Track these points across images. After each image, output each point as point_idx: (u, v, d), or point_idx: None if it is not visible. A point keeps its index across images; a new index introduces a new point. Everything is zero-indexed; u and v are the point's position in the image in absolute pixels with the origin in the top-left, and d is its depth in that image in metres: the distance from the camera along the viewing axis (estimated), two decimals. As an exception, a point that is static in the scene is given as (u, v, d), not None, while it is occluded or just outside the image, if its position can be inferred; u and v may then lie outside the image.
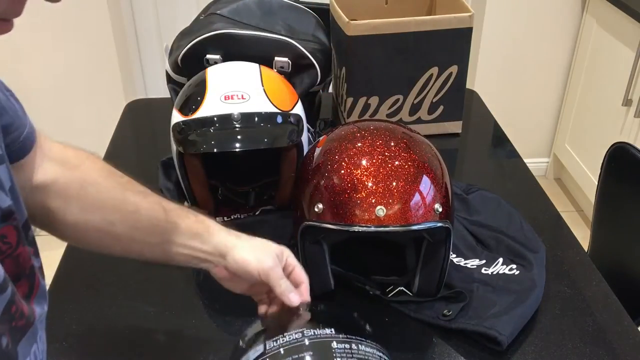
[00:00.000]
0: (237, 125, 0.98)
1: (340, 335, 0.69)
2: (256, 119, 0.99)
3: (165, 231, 0.77)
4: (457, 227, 1.02)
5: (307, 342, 0.68)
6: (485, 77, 2.49)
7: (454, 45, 1.28)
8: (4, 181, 0.59)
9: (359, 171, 0.82)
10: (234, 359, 0.72)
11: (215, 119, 0.98)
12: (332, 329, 0.70)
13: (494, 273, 0.95)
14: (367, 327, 0.75)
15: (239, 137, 0.98)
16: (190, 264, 0.79)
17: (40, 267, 0.65)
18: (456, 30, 1.25)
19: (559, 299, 0.93)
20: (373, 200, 0.80)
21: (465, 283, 0.92)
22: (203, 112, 0.99)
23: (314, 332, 0.69)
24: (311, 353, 0.67)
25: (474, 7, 1.61)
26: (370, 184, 0.80)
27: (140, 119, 1.51)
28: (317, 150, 0.89)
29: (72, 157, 0.77)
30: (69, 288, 0.96)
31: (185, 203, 1.08)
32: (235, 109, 0.98)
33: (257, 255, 0.76)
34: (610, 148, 1.22)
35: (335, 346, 0.67)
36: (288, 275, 0.78)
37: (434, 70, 1.30)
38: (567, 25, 2.43)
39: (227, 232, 0.79)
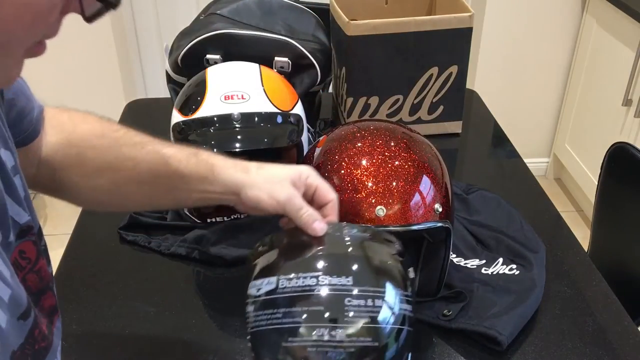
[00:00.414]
0: (237, 125, 0.98)
1: (356, 290, 0.64)
2: (256, 119, 0.99)
3: (170, 180, 0.74)
4: (457, 227, 1.02)
5: (320, 291, 0.64)
6: (485, 77, 2.49)
7: (454, 45, 1.28)
8: (20, 192, 0.59)
9: (359, 171, 0.82)
10: (248, 276, 0.70)
11: (215, 119, 0.98)
12: (351, 277, 0.65)
13: (494, 273, 0.95)
14: (400, 268, 0.68)
15: (239, 137, 0.98)
16: (207, 204, 0.76)
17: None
18: (456, 30, 1.25)
19: (559, 299, 0.93)
20: (373, 200, 0.80)
21: (465, 283, 0.92)
22: (203, 112, 0.99)
23: (330, 281, 0.65)
24: (322, 308, 0.64)
25: (474, 7, 1.61)
26: (370, 184, 0.80)
27: (140, 119, 1.51)
28: (317, 150, 0.89)
29: (67, 122, 0.76)
30: (69, 288, 0.96)
31: (185, 203, 1.08)
32: (235, 109, 0.98)
33: (269, 191, 0.70)
34: (610, 148, 1.22)
35: (349, 303, 0.64)
36: (311, 196, 0.72)
37: (434, 70, 1.30)
38: (567, 25, 2.43)
39: (234, 168, 0.73)
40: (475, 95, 1.56)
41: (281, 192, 0.70)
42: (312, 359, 0.64)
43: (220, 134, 0.98)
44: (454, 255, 0.98)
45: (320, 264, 0.67)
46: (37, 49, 0.49)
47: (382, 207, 0.79)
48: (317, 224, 0.69)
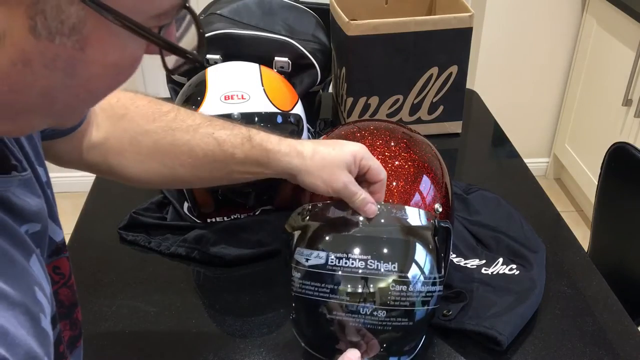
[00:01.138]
0: (237, 125, 0.98)
1: (400, 276, 0.72)
2: (256, 119, 0.99)
3: (225, 165, 0.75)
4: (457, 227, 1.02)
5: (367, 275, 0.72)
6: (485, 77, 2.49)
7: (454, 45, 1.28)
8: (54, 207, 0.59)
9: (359, 171, 0.82)
10: (289, 240, 0.76)
11: (215, 119, 0.98)
12: (396, 264, 0.72)
13: (494, 273, 0.95)
14: (436, 250, 0.75)
15: (239, 137, 0.98)
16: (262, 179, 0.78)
17: None
18: (456, 30, 1.25)
19: (559, 299, 0.93)
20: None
21: (465, 283, 0.92)
22: (203, 112, 0.99)
23: (377, 266, 0.72)
24: (367, 290, 0.72)
25: (474, 7, 1.61)
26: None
27: (140, 119, 1.51)
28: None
29: (117, 106, 0.77)
30: (69, 288, 0.96)
31: (186, 203, 1.08)
32: (235, 109, 0.98)
33: (324, 179, 0.72)
34: (610, 148, 1.22)
35: (392, 288, 0.72)
36: (363, 175, 0.75)
37: (434, 70, 1.30)
38: (567, 25, 2.43)
39: (289, 154, 0.73)
40: (475, 95, 1.56)
41: (337, 179, 0.72)
42: (352, 331, 0.74)
43: (220, 134, 0.98)
44: (454, 255, 0.98)
45: (368, 248, 0.73)
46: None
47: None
48: (370, 207, 0.73)
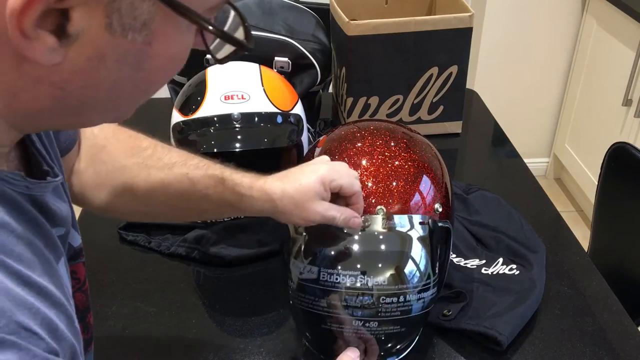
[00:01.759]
0: (237, 125, 0.98)
1: (391, 289, 0.74)
2: (256, 119, 0.99)
3: (198, 204, 0.76)
4: (457, 227, 1.02)
5: (358, 291, 0.74)
6: (485, 77, 2.49)
7: (454, 45, 1.28)
8: (74, 213, 0.61)
9: (358, 171, 0.82)
10: (287, 242, 0.78)
11: (215, 119, 0.98)
12: (388, 277, 0.74)
13: (494, 273, 0.95)
14: (429, 254, 0.77)
15: (239, 137, 0.98)
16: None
17: None
18: (456, 30, 1.25)
19: (559, 299, 0.93)
20: (373, 200, 0.79)
21: (465, 283, 0.92)
22: (203, 112, 0.99)
23: (367, 281, 0.74)
24: (359, 304, 0.74)
25: (474, 7, 1.61)
26: (370, 184, 0.80)
27: (140, 118, 1.51)
28: (317, 150, 0.89)
29: (99, 136, 0.78)
30: (69, 288, 0.96)
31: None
32: (235, 109, 0.98)
33: (299, 215, 0.72)
34: (610, 148, 1.22)
35: (383, 301, 0.74)
36: (337, 194, 0.74)
37: (434, 70, 1.30)
38: (567, 25, 2.43)
39: (259, 198, 0.73)
40: (475, 95, 1.56)
41: (312, 213, 0.71)
42: (347, 338, 0.76)
43: (220, 134, 0.98)
44: (454, 255, 0.98)
45: (360, 263, 0.75)
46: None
47: (382, 207, 0.79)
48: (353, 221, 0.73)
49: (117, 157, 0.77)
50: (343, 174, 0.74)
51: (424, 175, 0.82)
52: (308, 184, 0.71)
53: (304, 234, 0.78)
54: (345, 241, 0.75)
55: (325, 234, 0.76)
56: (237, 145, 0.98)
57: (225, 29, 0.50)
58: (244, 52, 0.48)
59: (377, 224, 0.76)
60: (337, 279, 0.74)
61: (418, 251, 0.76)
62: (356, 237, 0.76)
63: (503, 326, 0.83)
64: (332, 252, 0.76)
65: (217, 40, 0.49)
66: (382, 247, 0.77)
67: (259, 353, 0.86)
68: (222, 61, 0.50)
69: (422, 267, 0.76)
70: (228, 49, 0.49)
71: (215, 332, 0.90)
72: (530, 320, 0.88)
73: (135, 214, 0.81)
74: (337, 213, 0.72)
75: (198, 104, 1.00)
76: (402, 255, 0.76)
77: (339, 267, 0.74)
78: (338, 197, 0.74)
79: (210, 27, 0.44)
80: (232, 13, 0.50)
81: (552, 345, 0.85)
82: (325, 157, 0.80)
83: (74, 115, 0.47)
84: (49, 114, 0.46)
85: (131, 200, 0.77)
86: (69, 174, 0.75)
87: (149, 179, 0.75)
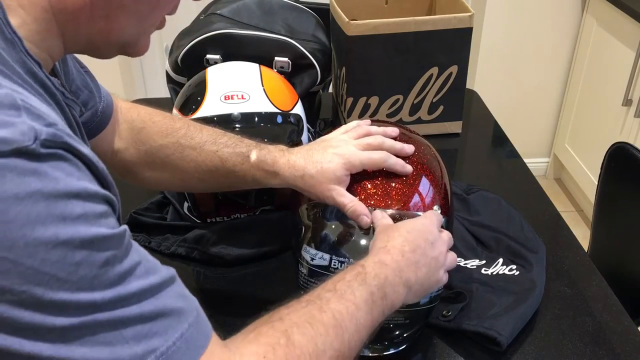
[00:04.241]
0: (237, 125, 0.98)
1: None
2: (256, 119, 0.99)
3: (227, 179, 0.84)
4: (457, 227, 1.02)
5: None
6: (485, 77, 2.49)
7: (454, 45, 1.28)
8: None
9: (357, 172, 0.82)
10: (298, 230, 0.82)
11: (215, 119, 0.98)
12: None
13: (494, 273, 0.95)
14: None
15: (239, 137, 0.98)
16: None
17: None
18: (456, 30, 1.25)
19: (559, 299, 0.93)
20: (372, 202, 0.80)
21: (465, 283, 0.92)
22: (203, 112, 0.99)
23: None
24: None
25: (474, 7, 1.61)
26: (369, 185, 0.80)
27: (140, 119, 1.51)
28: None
29: (137, 120, 0.87)
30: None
31: (186, 203, 1.08)
32: (235, 108, 0.98)
33: (317, 194, 0.79)
34: (610, 148, 1.22)
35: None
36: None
37: (434, 70, 1.30)
38: (567, 25, 2.43)
39: (285, 173, 0.80)
40: (475, 95, 1.56)
41: (327, 195, 0.78)
42: None
43: (220, 134, 0.98)
44: (453, 256, 0.98)
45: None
46: (162, 23, 0.63)
47: (381, 208, 0.80)
48: (362, 218, 0.77)
49: (154, 137, 0.85)
50: (362, 156, 0.80)
51: (423, 177, 0.82)
52: (329, 168, 0.78)
53: (317, 221, 0.80)
54: (358, 230, 0.78)
55: (341, 224, 0.79)
56: (237, 145, 0.98)
57: None
58: None
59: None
60: (347, 266, 0.74)
61: None
62: (371, 230, 0.77)
63: (502, 327, 0.83)
64: (344, 241, 0.78)
65: None
66: None
67: (259, 353, 0.85)
68: None
69: None
70: None
71: (215, 332, 0.90)
72: (530, 320, 0.88)
73: (174, 187, 0.93)
74: (348, 202, 0.77)
75: (198, 104, 1.00)
76: None
77: (350, 256, 0.76)
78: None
79: None
80: None
81: (552, 345, 0.85)
82: (353, 124, 0.86)
83: (106, 18, 0.54)
84: (89, 14, 0.53)
85: (169, 175, 0.87)
86: (110, 155, 0.84)
87: (183, 157, 0.84)
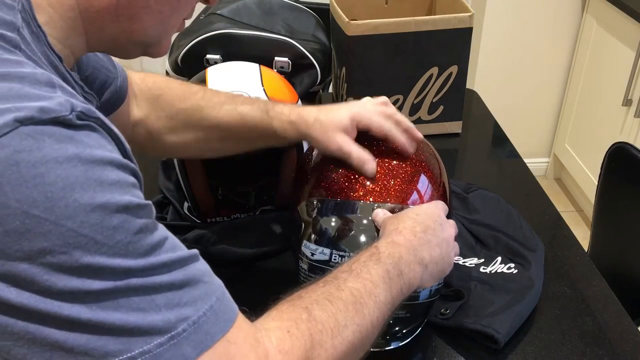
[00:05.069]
0: (236, 125, 0.98)
1: None
2: (256, 118, 0.99)
3: (249, 135, 0.86)
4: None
5: None
6: (485, 77, 2.50)
7: (454, 45, 1.28)
8: None
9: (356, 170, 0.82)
10: (297, 227, 0.81)
11: (215, 118, 0.98)
12: None
13: (492, 272, 0.95)
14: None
15: (238, 136, 0.98)
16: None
17: None
18: (456, 30, 1.26)
19: (559, 299, 0.93)
20: (371, 199, 0.80)
21: (463, 281, 0.92)
22: (203, 112, 0.99)
23: None
24: None
25: (474, 7, 1.61)
26: (367, 183, 0.80)
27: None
28: (316, 150, 0.89)
29: (154, 87, 0.88)
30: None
31: (186, 203, 1.08)
32: (235, 108, 0.98)
33: (324, 143, 0.81)
34: (610, 148, 1.22)
35: None
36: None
37: (434, 70, 1.30)
38: (567, 25, 2.43)
39: (298, 120, 0.83)
40: (475, 95, 1.56)
41: (333, 142, 0.80)
42: None
43: (220, 134, 0.98)
44: (453, 255, 0.98)
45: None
46: (181, 25, 0.64)
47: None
48: (367, 166, 0.79)
49: (173, 102, 0.87)
50: (373, 115, 0.82)
51: (422, 174, 0.83)
52: (337, 115, 0.81)
53: (316, 217, 0.79)
54: (357, 225, 0.78)
55: (341, 219, 0.79)
56: (237, 145, 0.98)
57: None
58: None
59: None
60: (347, 261, 0.74)
61: None
62: (365, 221, 0.78)
63: (500, 324, 0.84)
64: (344, 236, 0.78)
65: None
66: None
67: (259, 353, 0.85)
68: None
69: None
70: None
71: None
72: (529, 320, 0.88)
73: (196, 151, 0.91)
74: (355, 151, 0.79)
75: (198, 104, 1.00)
76: None
77: (350, 250, 0.76)
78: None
79: None
80: None
81: (551, 345, 0.85)
82: (382, 98, 0.87)
83: (130, 18, 0.56)
84: (114, 13, 0.55)
85: (192, 137, 0.88)
86: (131, 127, 0.86)
87: (203, 117, 0.86)
